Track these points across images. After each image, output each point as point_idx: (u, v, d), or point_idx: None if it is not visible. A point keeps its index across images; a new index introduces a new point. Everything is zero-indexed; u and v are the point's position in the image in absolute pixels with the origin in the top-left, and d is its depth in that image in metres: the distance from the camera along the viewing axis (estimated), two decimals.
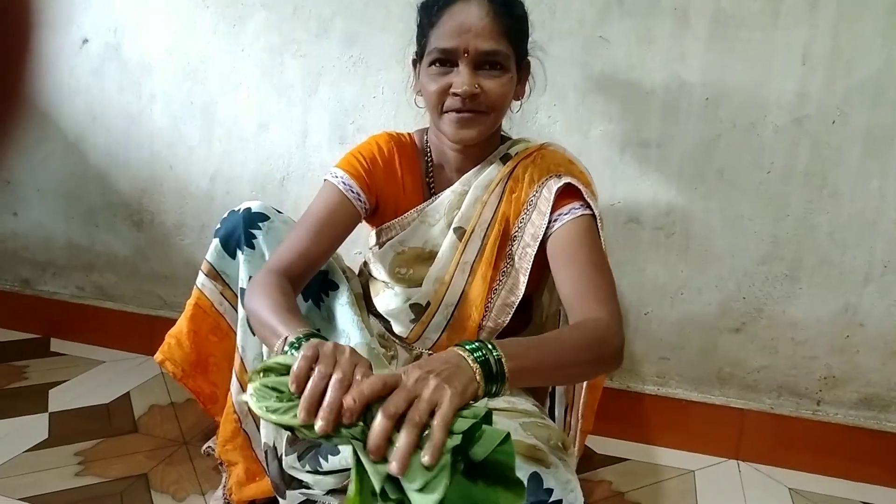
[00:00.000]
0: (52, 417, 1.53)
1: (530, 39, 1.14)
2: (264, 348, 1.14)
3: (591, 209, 1.10)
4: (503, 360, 0.78)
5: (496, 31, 1.04)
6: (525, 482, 0.91)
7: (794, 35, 1.34)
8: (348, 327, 1.17)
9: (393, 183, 1.19)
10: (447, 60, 1.06)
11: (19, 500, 1.24)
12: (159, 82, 1.73)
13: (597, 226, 1.10)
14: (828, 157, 1.37)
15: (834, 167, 1.37)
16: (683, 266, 1.49)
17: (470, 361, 0.75)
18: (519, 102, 1.17)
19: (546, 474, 0.94)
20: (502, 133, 1.23)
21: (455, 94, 1.05)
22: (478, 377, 0.74)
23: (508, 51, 1.06)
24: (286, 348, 0.84)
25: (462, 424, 0.66)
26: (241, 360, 1.20)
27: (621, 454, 1.53)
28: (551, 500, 0.92)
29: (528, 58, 1.15)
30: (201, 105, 1.71)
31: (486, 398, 0.77)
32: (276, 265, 1.06)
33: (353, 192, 1.15)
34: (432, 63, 1.07)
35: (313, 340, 0.78)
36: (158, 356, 1.27)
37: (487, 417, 0.70)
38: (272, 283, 1.01)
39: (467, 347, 0.77)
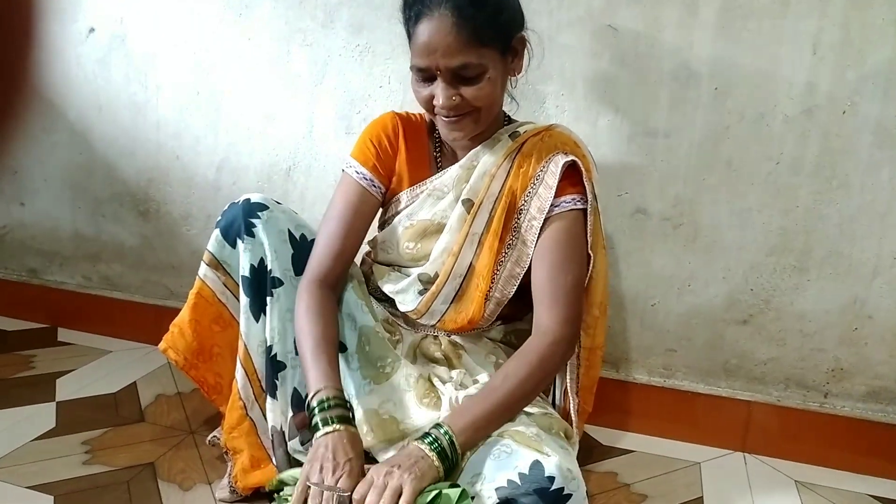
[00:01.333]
0: (60, 406, 1.54)
1: (531, 38, 1.16)
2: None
3: (585, 202, 1.17)
4: (454, 439, 0.99)
5: (463, 43, 1.04)
6: (527, 470, 0.92)
7: (804, 24, 1.32)
8: (354, 311, 1.22)
9: (400, 158, 1.24)
10: (426, 76, 1.10)
11: (27, 488, 1.25)
12: (165, 72, 1.73)
13: (585, 220, 1.18)
14: (837, 148, 1.36)
15: (844, 158, 1.36)
16: (691, 257, 1.48)
17: (427, 451, 0.97)
18: (516, 78, 1.19)
19: (547, 462, 0.95)
20: (507, 115, 1.27)
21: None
22: (435, 462, 0.97)
23: (482, 55, 1.07)
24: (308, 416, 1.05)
25: (424, 497, 0.92)
26: (246, 347, 1.21)
27: (627, 446, 1.52)
28: (553, 487, 0.93)
29: (522, 32, 1.15)
30: (207, 95, 1.71)
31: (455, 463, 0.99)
32: (316, 275, 1.17)
33: (367, 179, 1.22)
34: (414, 75, 1.11)
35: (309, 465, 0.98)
36: (162, 345, 1.29)
37: (454, 485, 0.95)
38: (316, 308, 1.13)
39: (424, 441, 0.99)
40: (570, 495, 0.93)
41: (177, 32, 1.70)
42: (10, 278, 2.00)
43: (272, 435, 1.21)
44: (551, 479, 0.93)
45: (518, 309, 1.28)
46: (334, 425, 1.01)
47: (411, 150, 1.25)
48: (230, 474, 1.24)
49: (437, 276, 1.21)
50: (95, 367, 1.74)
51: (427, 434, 1.01)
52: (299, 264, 1.21)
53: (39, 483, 1.26)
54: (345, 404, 1.05)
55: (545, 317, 1.14)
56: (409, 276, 1.24)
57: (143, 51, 1.74)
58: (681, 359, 1.55)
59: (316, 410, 1.03)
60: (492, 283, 1.20)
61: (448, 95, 1.08)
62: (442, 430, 1.01)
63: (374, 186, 1.23)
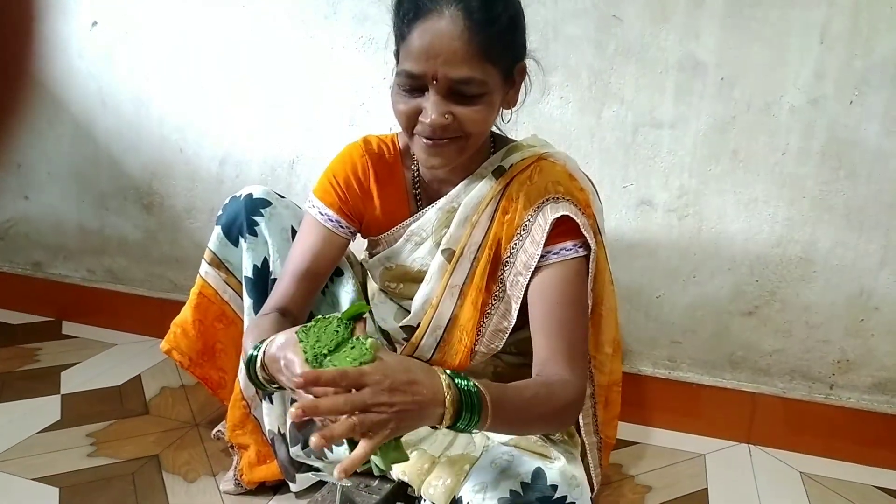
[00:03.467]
0: (65, 399, 1.54)
1: (528, 41, 1.00)
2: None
3: (585, 246, 1.03)
4: (486, 397, 0.81)
5: (471, 53, 0.88)
6: (529, 479, 0.91)
7: (811, 13, 1.31)
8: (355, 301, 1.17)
9: (370, 201, 1.12)
10: (416, 85, 0.92)
11: (33, 480, 1.25)
12: (168, 65, 1.73)
13: (587, 268, 1.04)
14: (845, 138, 1.35)
15: (851, 148, 1.35)
16: (696, 249, 1.48)
17: (447, 402, 0.78)
18: (509, 111, 1.04)
19: (549, 469, 0.94)
20: (495, 134, 1.12)
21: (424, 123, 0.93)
22: (448, 405, 0.78)
23: (487, 73, 0.91)
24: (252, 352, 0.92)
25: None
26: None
27: (632, 438, 1.52)
28: (556, 496, 0.91)
29: (525, 61, 1.00)
30: (211, 88, 1.71)
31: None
32: (272, 310, 1.06)
33: (332, 221, 1.11)
34: (401, 82, 0.94)
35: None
36: (164, 345, 1.25)
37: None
38: (264, 320, 1.02)
39: (454, 382, 0.80)
40: (573, 503, 0.91)
41: (180, 24, 1.69)
42: (15, 272, 2.00)
43: (271, 439, 1.19)
44: (554, 487, 0.92)
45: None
46: (265, 343, 0.91)
47: (385, 192, 1.11)
48: (236, 467, 1.25)
49: (418, 325, 1.12)
50: (100, 360, 1.75)
51: (462, 379, 0.82)
52: None
53: (45, 475, 1.26)
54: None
55: (552, 371, 0.96)
56: (395, 307, 1.19)
57: (147, 44, 1.73)
58: (686, 350, 1.54)
59: (253, 351, 0.93)
60: (477, 337, 1.09)
61: (441, 112, 0.91)
62: (473, 387, 0.82)
63: (342, 227, 1.11)
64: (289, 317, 1.06)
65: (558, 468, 0.94)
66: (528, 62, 1.01)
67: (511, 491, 0.91)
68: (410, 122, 0.95)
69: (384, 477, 1.12)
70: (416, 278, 1.12)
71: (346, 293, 1.18)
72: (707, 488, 1.35)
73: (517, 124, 1.24)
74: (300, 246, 1.11)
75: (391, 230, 1.13)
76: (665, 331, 1.54)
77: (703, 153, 1.42)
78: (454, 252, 1.07)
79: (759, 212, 1.42)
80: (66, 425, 1.44)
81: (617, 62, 1.43)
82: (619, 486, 1.35)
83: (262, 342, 0.92)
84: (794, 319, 1.46)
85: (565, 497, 0.91)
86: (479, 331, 1.09)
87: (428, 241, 1.10)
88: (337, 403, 0.72)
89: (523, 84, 1.02)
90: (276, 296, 1.09)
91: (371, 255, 1.18)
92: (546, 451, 0.98)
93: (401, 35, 0.94)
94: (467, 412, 0.79)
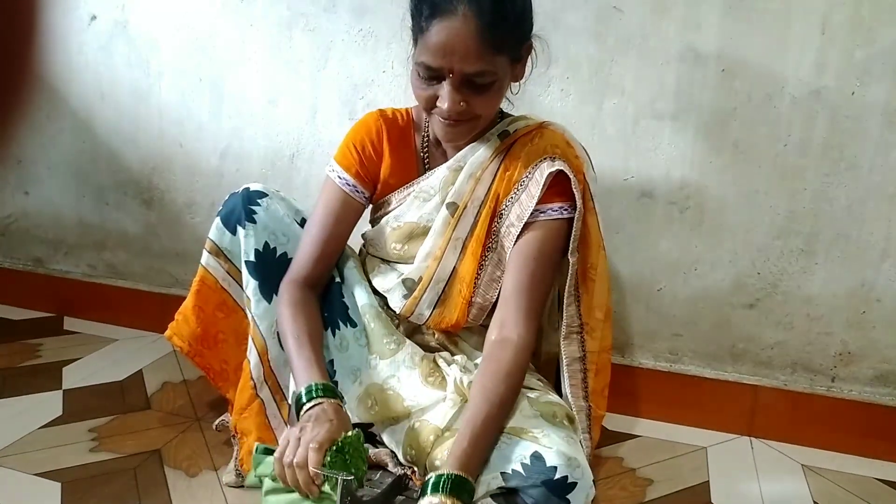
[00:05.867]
0: (66, 394, 1.54)
1: (535, 21, 1.10)
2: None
3: (571, 210, 1.13)
4: (457, 475, 0.92)
5: (483, 49, 1.00)
6: (528, 460, 0.93)
7: (812, 3, 1.30)
8: (357, 289, 1.23)
9: (384, 161, 1.21)
10: (433, 75, 1.04)
11: (35, 475, 1.25)
12: (167, 58, 1.72)
13: (569, 231, 1.14)
14: (846, 129, 1.35)
15: (852, 139, 1.35)
16: (697, 241, 1.47)
17: (441, 497, 0.90)
18: (518, 84, 1.14)
19: (548, 452, 0.95)
20: (501, 111, 1.22)
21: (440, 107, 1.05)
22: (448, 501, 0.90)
23: (498, 64, 1.03)
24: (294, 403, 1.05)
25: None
26: (257, 328, 1.21)
27: (633, 431, 1.52)
28: (556, 476, 0.92)
29: (531, 39, 1.11)
30: (210, 81, 1.70)
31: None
32: (296, 276, 1.17)
33: (349, 185, 1.21)
34: (420, 71, 1.05)
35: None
36: (167, 332, 1.31)
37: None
38: (297, 303, 1.14)
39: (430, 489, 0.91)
40: (574, 483, 0.93)
41: (178, 18, 1.69)
42: (15, 267, 2.00)
43: (291, 404, 1.19)
44: (553, 468, 0.93)
45: None
46: (318, 398, 1.01)
47: (396, 154, 1.22)
48: (236, 458, 1.25)
49: (420, 279, 1.19)
50: (101, 355, 1.75)
51: (433, 482, 0.92)
52: None
53: (47, 470, 1.26)
54: (333, 389, 1.05)
55: (512, 324, 1.09)
56: (396, 271, 1.24)
57: (145, 37, 1.73)
58: (687, 343, 1.54)
59: (303, 394, 1.03)
60: (474, 287, 1.17)
61: (455, 101, 1.03)
62: (444, 475, 0.92)
63: (358, 192, 1.21)
64: (316, 287, 1.20)
65: (557, 451, 0.95)
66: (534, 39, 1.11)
67: (513, 470, 0.94)
68: (429, 104, 1.07)
69: (385, 470, 1.12)
70: (422, 233, 1.20)
71: (349, 269, 1.25)
72: (708, 481, 1.35)
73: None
74: (320, 210, 1.21)
75: (401, 189, 1.22)
76: (666, 323, 1.54)
77: (704, 145, 1.42)
78: (458, 206, 1.16)
79: (761, 203, 1.42)
80: (68, 420, 1.44)
81: (617, 53, 1.42)
82: (620, 480, 1.35)
83: (316, 391, 1.02)
84: (796, 312, 1.46)
85: (566, 477, 0.93)
86: (476, 282, 1.18)
87: (435, 197, 1.19)
88: None
89: (529, 58, 1.12)
90: (300, 262, 1.18)
91: (377, 220, 1.26)
92: (542, 435, 1.00)
93: (419, 28, 1.04)
94: (464, 492, 0.92)
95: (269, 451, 1.02)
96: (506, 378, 1.05)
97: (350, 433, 0.96)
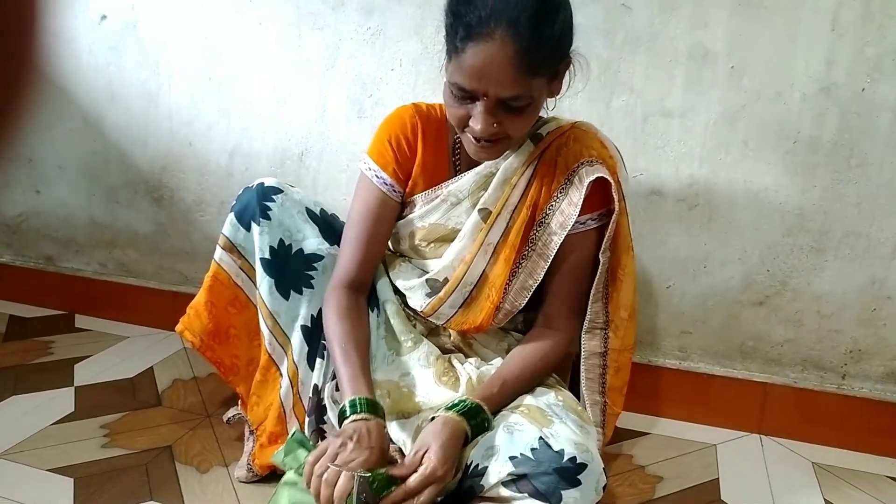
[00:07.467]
0: (78, 391, 1.55)
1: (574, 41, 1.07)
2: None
3: (606, 217, 1.16)
4: (478, 404, 1.04)
5: (520, 74, 0.96)
6: (537, 444, 0.95)
7: (822, 0, 1.30)
8: (379, 281, 1.24)
9: (417, 159, 1.19)
10: (467, 95, 1.00)
11: (48, 470, 1.26)
12: (177, 58, 1.73)
13: (603, 233, 1.16)
14: (856, 127, 1.34)
15: (862, 137, 1.34)
16: (706, 238, 1.47)
17: (452, 413, 1.02)
18: (554, 99, 1.12)
19: (556, 438, 0.95)
20: None
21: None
22: (462, 422, 1.02)
23: (534, 87, 1.00)
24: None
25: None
26: (277, 322, 1.22)
27: (643, 428, 1.52)
28: (565, 459, 0.93)
29: (569, 55, 1.07)
30: (219, 81, 1.71)
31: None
32: (342, 280, 1.17)
33: (387, 184, 1.19)
34: (453, 90, 1.01)
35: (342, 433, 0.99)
36: (179, 327, 1.31)
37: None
38: (344, 309, 1.14)
39: (451, 408, 1.03)
40: (584, 465, 0.93)
41: (188, 18, 1.70)
42: (27, 266, 2.01)
43: (311, 394, 1.20)
44: (561, 452, 0.93)
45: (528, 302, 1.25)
46: (365, 413, 1.01)
47: (429, 151, 1.19)
48: (249, 453, 1.26)
49: (446, 281, 1.18)
50: (113, 352, 1.76)
51: (454, 404, 1.05)
52: (330, 237, 1.22)
53: (59, 466, 1.27)
54: (377, 405, 1.04)
55: (557, 320, 1.19)
56: (418, 270, 1.23)
57: (155, 38, 1.74)
58: (696, 341, 1.54)
59: (347, 407, 1.03)
60: (504, 293, 1.16)
61: (489, 122, 1.00)
62: (466, 400, 1.05)
63: (395, 191, 1.19)
64: (363, 290, 1.20)
65: (563, 436, 0.96)
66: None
67: (521, 455, 0.94)
68: (461, 123, 1.04)
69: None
70: (449, 237, 1.19)
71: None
72: (718, 478, 1.35)
73: None
74: (359, 210, 1.19)
75: (429, 190, 1.19)
76: (675, 321, 1.54)
77: (713, 142, 1.42)
78: (490, 212, 1.15)
79: (770, 201, 1.41)
80: (80, 417, 1.45)
81: (626, 51, 1.42)
82: (629, 477, 1.35)
83: (361, 406, 1.02)
84: (806, 309, 1.45)
85: (574, 458, 0.93)
86: (507, 288, 1.16)
87: (465, 201, 1.17)
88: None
89: (567, 73, 1.09)
90: (344, 266, 1.18)
91: (404, 217, 1.23)
92: (550, 420, 1.00)
93: (454, 48, 0.99)
94: (474, 419, 1.02)
95: (304, 444, 1.04)
96: (543, 357, 1.15)
97: (383, 471, 0.96)
